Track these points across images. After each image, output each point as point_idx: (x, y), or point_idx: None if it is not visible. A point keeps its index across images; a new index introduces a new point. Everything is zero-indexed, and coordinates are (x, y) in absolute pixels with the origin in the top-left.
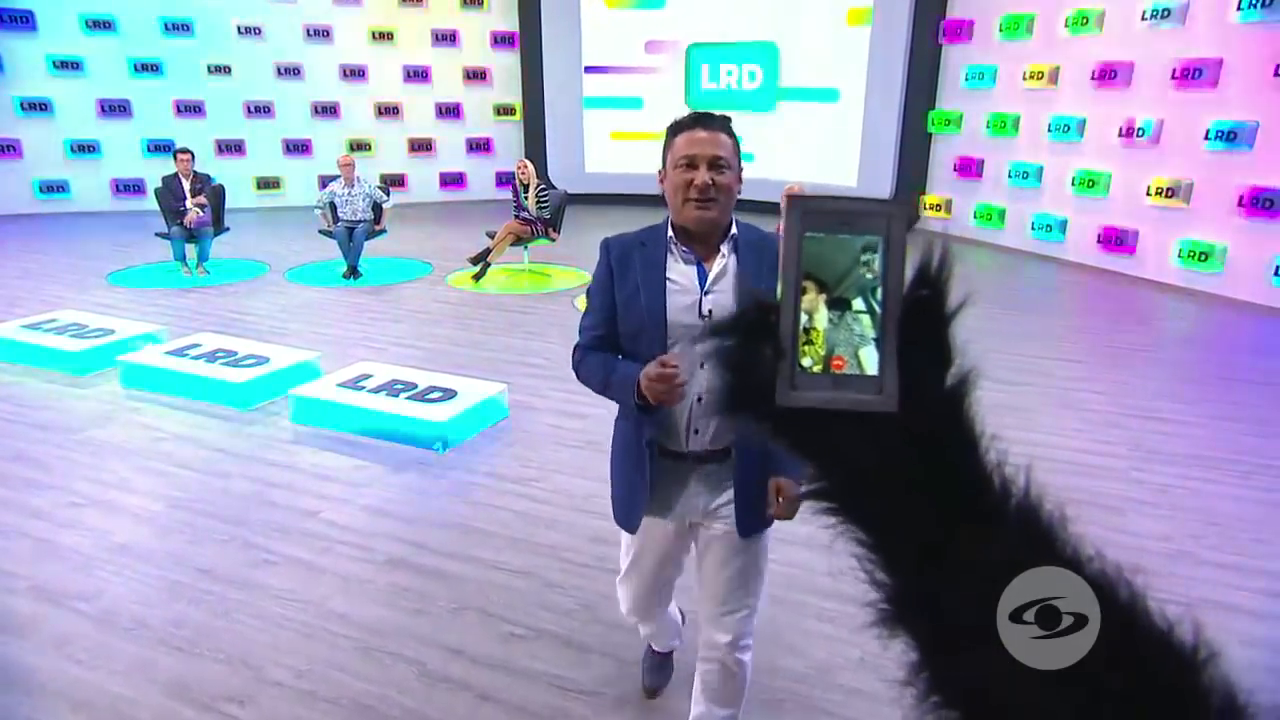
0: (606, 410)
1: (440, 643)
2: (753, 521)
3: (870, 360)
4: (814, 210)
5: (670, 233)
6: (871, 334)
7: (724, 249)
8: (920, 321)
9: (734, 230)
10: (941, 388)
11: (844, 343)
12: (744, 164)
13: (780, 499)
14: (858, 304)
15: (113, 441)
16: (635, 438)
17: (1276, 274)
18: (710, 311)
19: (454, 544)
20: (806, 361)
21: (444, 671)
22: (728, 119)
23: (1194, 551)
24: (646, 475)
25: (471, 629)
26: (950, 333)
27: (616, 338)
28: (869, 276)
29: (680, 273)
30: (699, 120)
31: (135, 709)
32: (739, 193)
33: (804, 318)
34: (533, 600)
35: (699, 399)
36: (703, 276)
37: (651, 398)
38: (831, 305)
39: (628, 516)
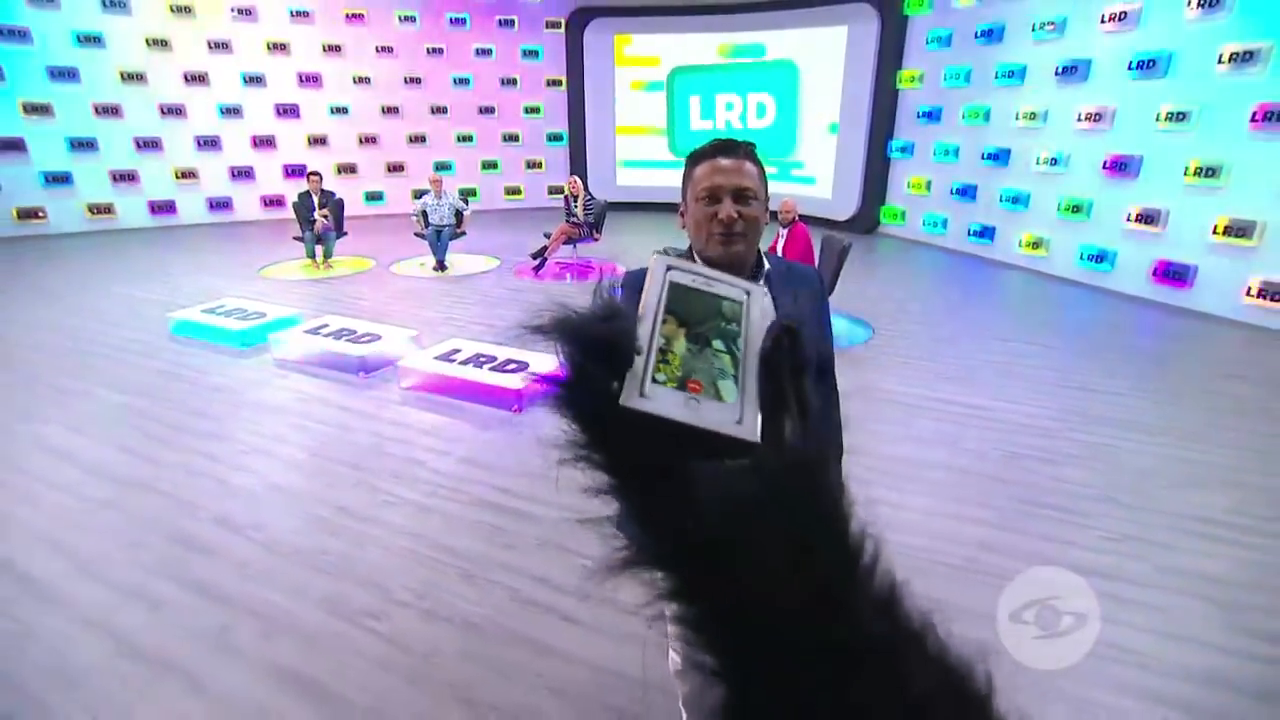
0: None
1: (529, 572)
2: None
3: (729, 392)
4: (679, 268)
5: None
6: (731, 371)
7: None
8: (777, 376)
9: (765, 264)
10: (800, 440)
11: (702, 371)
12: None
13: None
14: (718, 344)
15: (268, 402)
16: None
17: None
18: None
19: (534, 490)
20: (661, 377)
21: (533, 596)
22: (752, 146)
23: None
24: None
25: (553, 562)
26: (802, 392)
27: None
28: (731, 328)
29: None
30: (721, 149)
31: (301, 621)
32: (766, 223)
33: (661, 339)
34: (602, 540)
35: None
36: None
37: None
38: (691, 338)
39: None
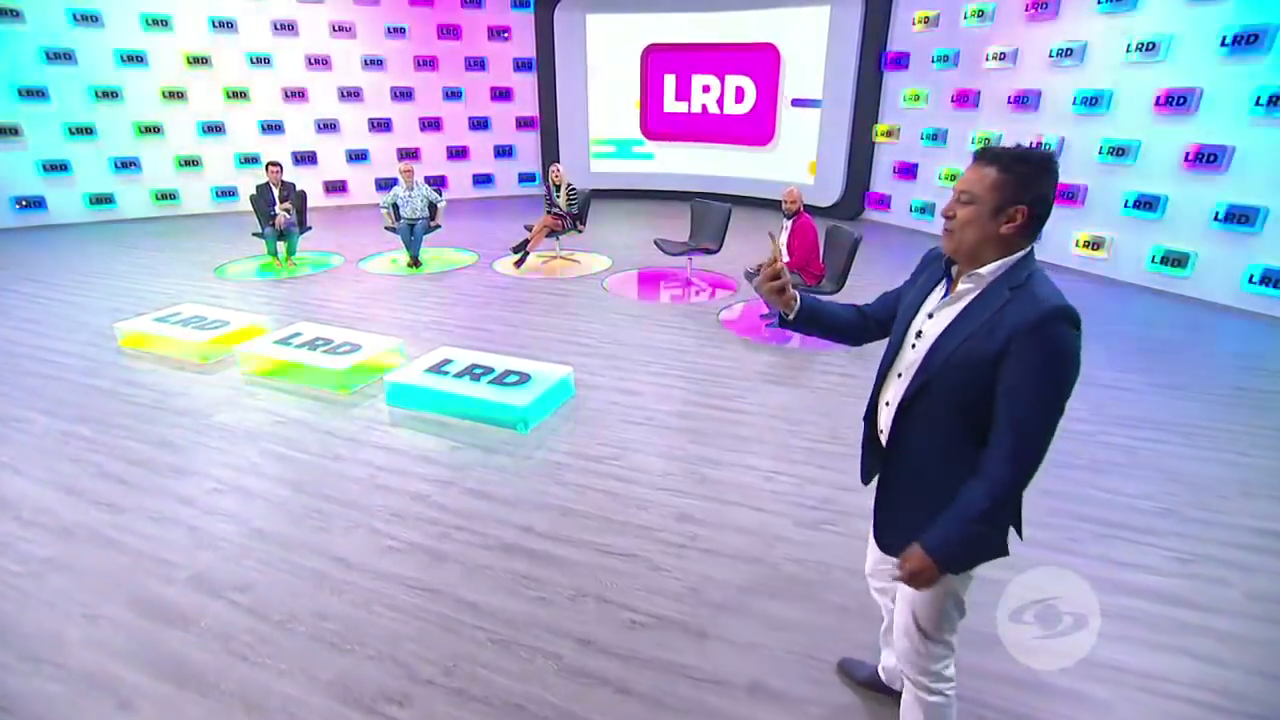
0: (657, 386)
1: (569, 633)
2: (902, 541)
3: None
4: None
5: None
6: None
7: (966, 283)
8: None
9: (989, 269)
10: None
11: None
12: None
13: (905, 563)
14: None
15: (240, 426)
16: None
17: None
18: (919, 333)
19: (557, 527)
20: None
21: (580, 664)
22: (1007, 155)
23: None
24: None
25: (594, 617)
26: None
27: (884, 318)
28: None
29: (935, 292)
30: (979, 154)
31: (305, 711)
32: (1004, 233)
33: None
34: (643, 584)
35: (886, 403)
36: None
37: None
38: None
39: None
